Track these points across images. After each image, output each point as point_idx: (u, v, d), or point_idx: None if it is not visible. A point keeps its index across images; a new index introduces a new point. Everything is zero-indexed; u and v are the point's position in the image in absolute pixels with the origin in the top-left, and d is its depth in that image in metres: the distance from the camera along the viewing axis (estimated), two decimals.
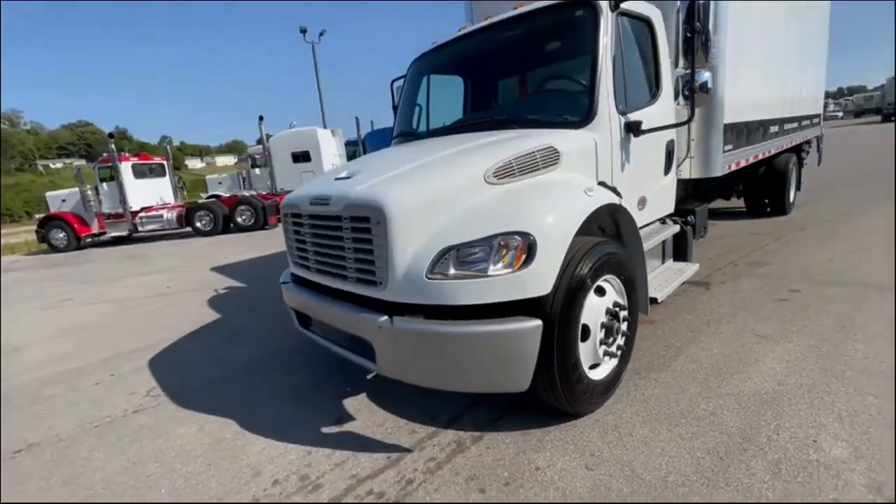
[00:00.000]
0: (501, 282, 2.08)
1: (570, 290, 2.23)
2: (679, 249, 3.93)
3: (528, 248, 2.09)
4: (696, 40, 2.60)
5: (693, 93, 2.68)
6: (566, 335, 2.25)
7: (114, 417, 3.27)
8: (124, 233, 14.47)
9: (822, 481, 2.00)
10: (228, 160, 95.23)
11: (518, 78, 3.64)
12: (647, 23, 3.18)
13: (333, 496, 2.22)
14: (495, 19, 3.26)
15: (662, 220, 3.81)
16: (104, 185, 14.12)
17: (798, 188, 7.94)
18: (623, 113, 2.87)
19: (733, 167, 4.29)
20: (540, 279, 2.11)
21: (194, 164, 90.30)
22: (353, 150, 19.69)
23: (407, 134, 3.89)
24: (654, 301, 3.18)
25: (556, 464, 2.28)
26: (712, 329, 3.61)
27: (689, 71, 2.67)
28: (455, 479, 2.25)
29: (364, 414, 2.94)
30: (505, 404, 2.82)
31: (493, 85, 3.72)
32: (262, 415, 3.05)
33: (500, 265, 2.10)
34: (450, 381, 2.21)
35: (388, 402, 3.03)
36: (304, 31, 22.29)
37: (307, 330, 3.08)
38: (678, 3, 2.62)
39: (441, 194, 2.26)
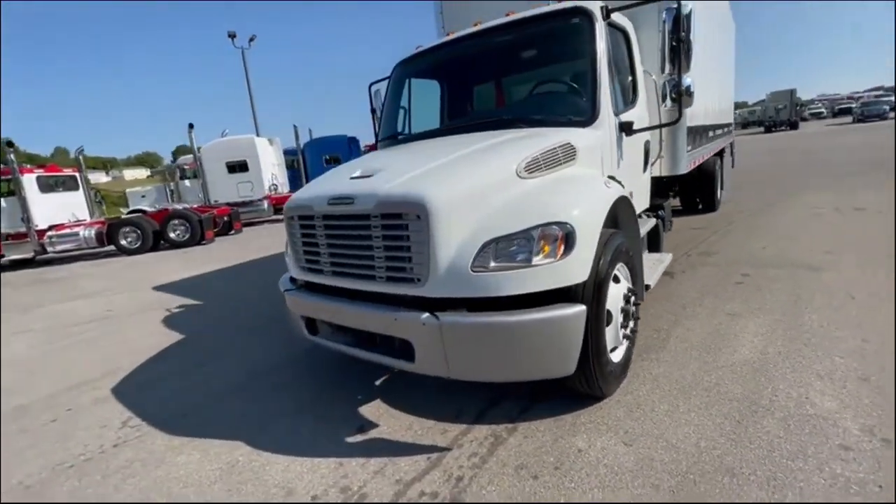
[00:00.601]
0: (545, 271, 2.16)
1: (599, 278, 2.37)
2: (652, 242, 4.27)
3: (567, 238, 2.19)
4: (681, 49, 2.90)
5: (680, 96, 2.98)
6: (598, 320, 2.37)
7: (90, 454, 2.87)
8: (28, 255, 12.68)
9: (825, 430, 2.28)
10: (139, 173, 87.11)
11: (501, 80, 3.79)
12: (623, 33, 3.47)
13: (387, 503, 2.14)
14: (491, 24, 3.38)
15: (639, 215, 4.13)
16: (2, 201, 12.29)
17: (722, 187, 8.94)
18: (616, 114, 3.10)
19: (691, 166, 4.77)
20: (579, 267, 2.21)
21: (98, 178, 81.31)
22: (292, 159, 19.01)
23: (401, 135, 3.87)
24: (647, 287, 3.43)
25: (596, 444, 2.38)
26: (689, 312, 3.97)
27: (674, 76, 2.97)
28: (504, 471, 2.27)
29: (386, 419, 2.85)
30: (526, 396, 2.89)
31: (487, 87, 3.84)
32: (272, 432, 2.85)
33: (541, 255, 2.17)
34: (500, 371, 2.24)
35: (407, 405, 2.97)
36: (232, 36, 21.13)
37: (318, 337, 2.94)
38: (663, 14, 2.90)
39: (478, 189, 2.29)
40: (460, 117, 3.80)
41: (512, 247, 2.18)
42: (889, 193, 7.76)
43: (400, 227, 2.30)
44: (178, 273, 8.90)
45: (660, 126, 3.36)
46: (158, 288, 7.68)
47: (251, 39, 22.10)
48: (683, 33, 2.85)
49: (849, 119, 40.19)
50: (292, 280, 3.27)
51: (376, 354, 2.61)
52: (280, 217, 18.75)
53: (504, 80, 3.78)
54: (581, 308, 2.17)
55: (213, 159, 15.42)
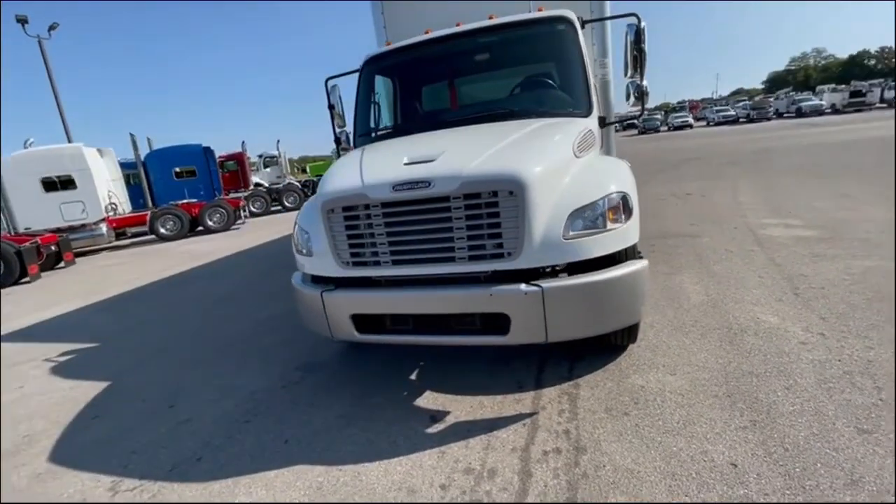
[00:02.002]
0: (617, 234, 2.51)
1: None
2: None
3: (626, 206, 2.58)
4: (641, 57, 3.59)
5: (642, 95, 3.67)
6: None
7: None
8: None
9: (784, 334, 3.14)
10: None
11: (482, 76, 4.08)
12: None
13: (520, 470, 2.21)
14: (478, 25, 3.61)
15: None
16: None
17: None
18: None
19: None
20: (635, 229, 2.63)
21: None
22: (128, 173, 15.94)
23: (392, 128, 3.82)
24: None
25: (651, 379, 2.83)
26: None
27: (635, 79, 3.64)
28: (597, 415, 2.54)
29: (451, 405, 2.85)
30: (565, 359, 3.20)
31: (472, 83, 4.04)
32: (340, 445, 2.59)
33: (610, 221, 2.51)
34: (592, 326, 2.49)
35: (460, 389, 3.01)
36: (23, 22, 16.53)
37: (371, 335, 2.77)
38: (628, 25, 3.55)
39: (552, 166, 2.51)
40: (448, 111, 3.92)
41: (589, 215, 2.47)
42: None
43: (488, 205, 2.39)
44: (26, 317, 6.77)
45: (626, 119, 4.07)
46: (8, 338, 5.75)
47: (51, 28, 17.64)
48: (643, 45, 3.54)
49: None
50: (313, 279, 2.99)
51: (458, 337, 2.62)
52: (124, 243, 15.66)
53: (486, 76, 4.05)
54: (646, 263, 2.58)
55: (21, 174, 11.93)
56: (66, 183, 12.51)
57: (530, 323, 2.42)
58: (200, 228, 14.72)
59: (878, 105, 35.29)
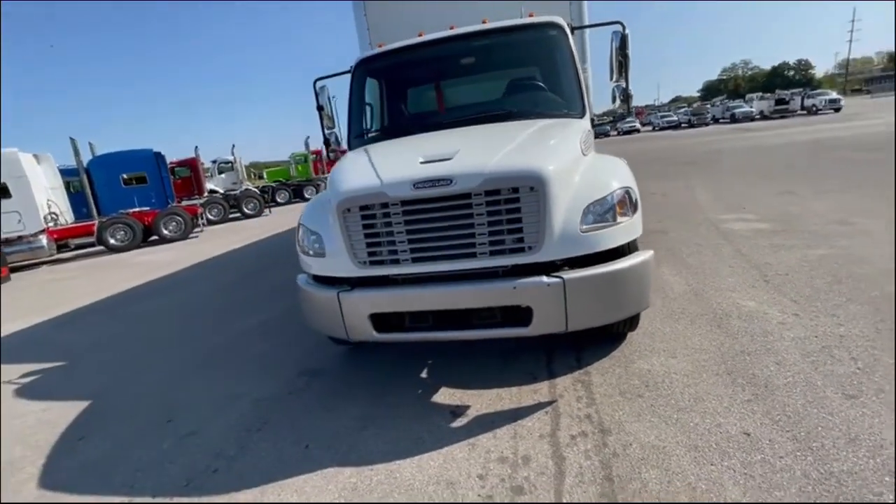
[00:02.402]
0: (626, 227, 2.67)
1: None
2: None
3: (632, 200, 2.74)
4: (626, 62, 3.81)
5: (627, 98, 3.90)
6: None
7: None
8: None
9: (764, 317, 3.43)
10: None
11: (474, 77, 4.18)
12: None
13: (553, 455, 2.29)
14: (478, 28, 3.70)
15: None
16: None
17: None
18: None
19: None
20: (640, 223, 2.80)
21: None
22: (69, 181, 14.82)
23: (393, 129, 3.82)
24: None
25: (655, 363, 3.01)
26: None
27: (621, 83, 3.86)
28: (613, 398, 2.68)
29: (470, 399, 2.90)
30: (570, 349, 3.33)
31: (467, 84, 4.11)
32: (364, 446, 2.57)
33: (618, 215, 2.67)
34: (609, 314, 2.62)
35: (474, 383, 3.06)
36: None
37: (391, 334, 2.77)
38: (613, 32, 3.76)
39: (564, 163, 2.62)
40: (448, 111, 3.97)
41: (601, 209, 2.61)
42: None
43: (509, 200, 2.47)
44: None
45: (614, 120, 4.29)
46: None
47: None
48: (627, 50, 3.77)
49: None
50: (324, 280, 2.95)
51: (479, 331, 2.66)
52: (67, 256, 14.62)
53: (481, 78, 4.14)
54: (652, 253, 2.75)
55: None
56: (0, 192, 11.43)
57: (552, 313, 2.51)
58: (154, 238, 13.88)
59: (798, 112, 38.79)
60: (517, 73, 3.95)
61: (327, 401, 3.12)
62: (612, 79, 3.87)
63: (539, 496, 2.04)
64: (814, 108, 37.08)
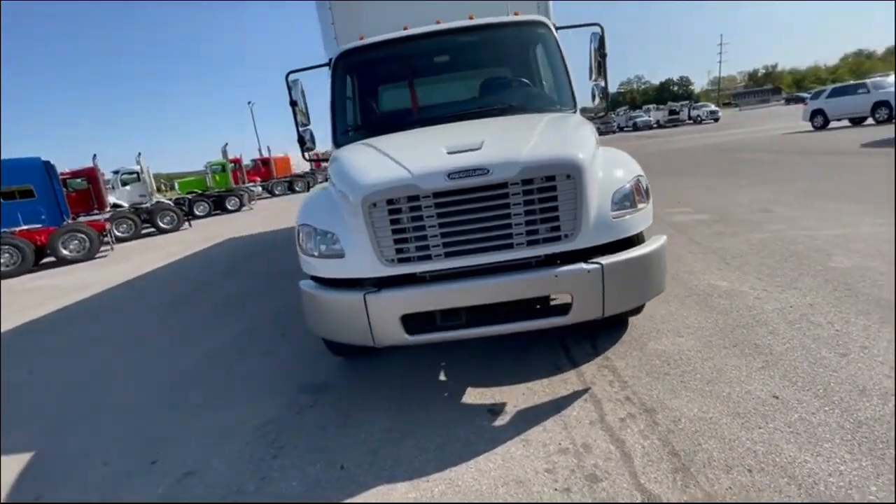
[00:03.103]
0: (645, 213, 2.79)
1: None
2: None
3: (643, 187, 2.87)
4: (604, 62, 4.01)
5: (606, 96, 4.10)
6: None
7: None
8: None
9: (740, 294, 3.77)
10: None
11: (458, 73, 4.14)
12: None
13: (611, 439, 2.30)
14: (467, 23, 3.66)
15: None
16: None
17: None
18: None
19: None
20: (652, 210, 2.94)
21: None
22: None
23: (385, 123, 3.63)
24: None
25: (666, 343, 3.17)
26: None
27: (599, 82, 4.06)
28: (643, 380, 2.77)
29: (504, 395, 2.83)
30: (583, 338, 3.39)
31: (451, 78, 4.04)
32: (408, 458, 2.38)
33: (638, 201, 2.78)
34: (639, 296, 2.71)
35: (499, 380, 3.00)
36: None
37: (421, 335, 2.60)
38: (592, 33, 3.94)
39: (590, 152, 2.67)
40: (446, 105, 3.86)
41: (624, 196, 2.70)
42: None
43: (544, 189, 2.45)
44: None
45: (597, 117, 4.48)
46: None
47: None
48: (605, 50, 3.98)
49: None
50: (337, 283, 2.72)
51: (516, 324, 2.59)
52: None
53: (468, 75, 4.10)
54: (666, 237, 2.90)
55: None
56: None
57: (590, 300, 2.53)
58: (50, 260, 11.92)
59: (686, 121, 44.22)
60: (510, 69, 3.99)
61: (346, 416, 2.86)
62: (591, 78, 4.05)
63: (616, 481, 2.03)
64: (698, 118, 42.82)
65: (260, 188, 27.95)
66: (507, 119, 3.25)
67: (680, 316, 3.56)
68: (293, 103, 4.06)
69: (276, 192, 28.83)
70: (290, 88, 4.01)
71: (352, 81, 3.85)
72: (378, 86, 3.93)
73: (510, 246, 2.51)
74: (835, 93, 18.37)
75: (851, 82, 19.70)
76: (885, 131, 13.94)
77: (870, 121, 17.32)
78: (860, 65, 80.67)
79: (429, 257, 2.53)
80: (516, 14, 3.92)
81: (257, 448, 2.65)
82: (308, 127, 4.15)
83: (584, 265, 2.49)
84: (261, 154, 36.15)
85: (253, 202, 23.45)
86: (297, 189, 29.12)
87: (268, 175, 31.45)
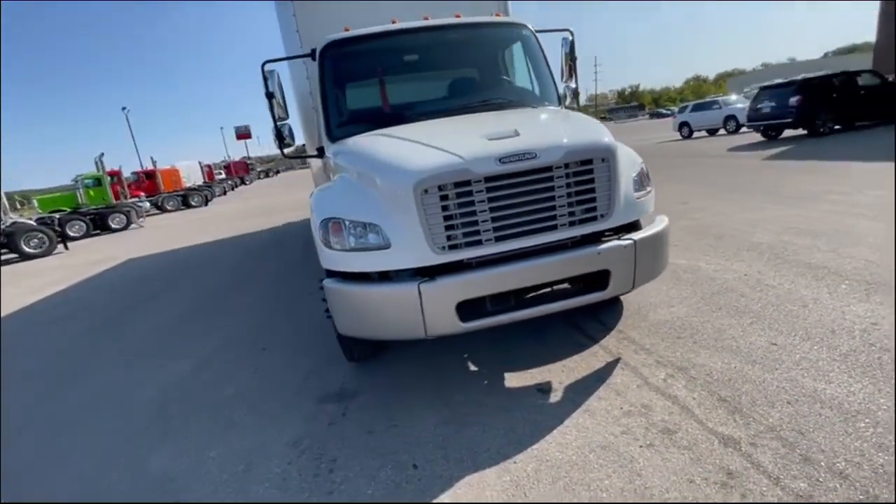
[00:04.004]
0: (652, 194, 3.10)
1: None
2: None
3: (646, 171, 3.20)
4: (574, 65, 4.34)
5: (577, 96, 4.43)
6: None
7: None
8: None
9: (721, 275, 4.34)
10: None
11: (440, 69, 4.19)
12: None
13: (665, 396, 2.50)
14: (455, 21, 3.71)
15: None
16: None
17: None
18: None
19: None
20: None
21: None
22: None
23: (383, 116, 3.51)
24: None
25: (663, 314, 3.53)
26: None
27: (570, 84, 4.38)
28: (662, 345, 3.06)
29: (544, 375, 2.91)
30: (589, 316, 3.63)
31: (441, 74, 4.03)
32: (483, 446, 2.34)
33: (646, 184, 3.08)
34: (657, 270, 2.97)
35: (530, 363, 3.08)
36: None
37: (474, 322, 2.58)
38: (563, 38, 4.26)
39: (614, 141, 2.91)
40: (445, 99, 3.82)
41: (639, 178, 2.97)
42: None
43: (582, 172, 2.60)
44: None
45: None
46: None
47: None
48: (575, 54, 4.32)
49: None
50: (370, 276, 2.60)
51: (561, 302, 2.69)
52: None
53: (454, 70, 4.12)
54: (667, 217, 3.24)
55: None
56: None
57: (624, 275, 2.74)
58: None
59: None
60: (499, 66, 4.13)
61: (390, 417, 2.70)
62: (562, 79, 4.38)
63: (688, 430, 2.22)
64: None
65: (147, 204, 24.63)
66: (516, 112, 3.39)
67: (661, 290, 3.98)
68: (269, 95, 3.74)
69: (169, 208, 25.72)
70: (265, 79, 3.69)
71: (343, 73, 3.67)
72: (372, 77, 3.79)
73: (554, 227, 2.62)
74: (696, 108, 21.90)
75: (708, 99, 23.55)
76: (738, 140, 16.99)
77: (722, 131, 20.95)
78: (699, 87, 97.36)
79: (479, 242, 2.53)
80: (497, 15, 4.10)
81: (305, 465, 2.39)
82: (286, 121, 3.86)
83: (621, 242, 2.69)
84: (142, 166, 32.07)
85: (142, 219, 20.63)
86: (193, 203, 26.30)
87: (153, 189, 27.95)
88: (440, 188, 2.44)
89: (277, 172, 64.93)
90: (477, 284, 2.54)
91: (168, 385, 3.58)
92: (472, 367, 3.17)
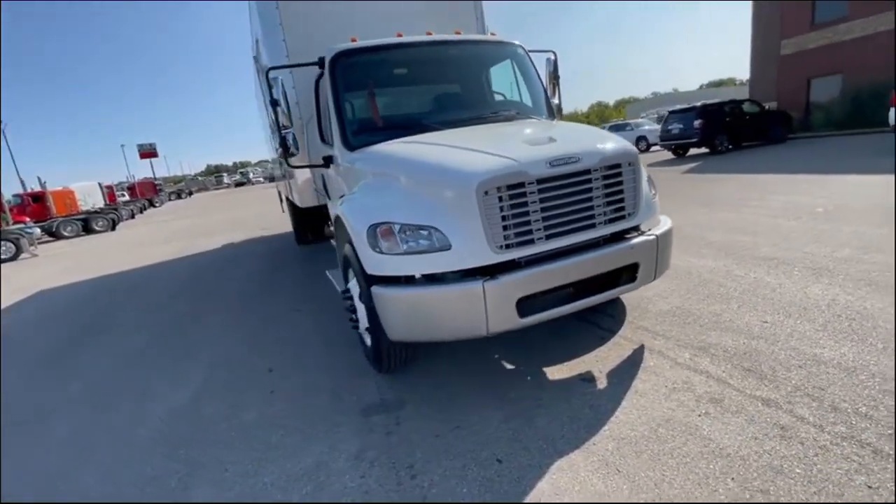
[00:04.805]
0: (657, 196, 3.48)
1: None
2: None
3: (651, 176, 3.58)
4: (557, 82, 4.71)
5: (560, 112, 4.79)
6: None
7: None
8: None
9: (712, 271, 4.88)
10: None
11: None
12: None
13: (698, 371, 2.80)
14: (456, 38, 3.89)
15: None
16: None
17: None
18: None
19: None
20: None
21: None
22: None
23: (394, 125, 3.54)
24: None
25: (661, 305, 3.91)
26: None
27: (554, 100, 4.73)
28: (674, 330, 3.40)
29: (581, 366, 3.09)
30: (593, 312, 3.90)
31: (447, 87, 4.14)
32: (559, 432, 2.44)
33: (653, 187, 3.45)
34: (668, 263, 3.30)
35: (561, 357, 3.25)
36: None
37: (530, 317, 2.69)
38: (547, 58, 4.61)
39: None
40: (456, 108, 3.92)
41: (650, 182, 3.33)
42: None
43: (612, 175, 2.88)
44: None
45: None
46: None
47: None
48: (558, 73, 4.71)
49: None
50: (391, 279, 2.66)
51: (603, 294, 2.91)
52: None
53: (459, 84, 4.26)
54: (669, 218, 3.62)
55: None
56: None
57: (649, 267, 3.05)
58: None
59: None
60: (499, 81, 4.36)
61: (449, 421, 2.70)
62: (550, 95, 4.74)
63: (732, 397, 2.52)
64: None
65: (38, 230, 21.31)
66: (529, 122, 3.62)
67: (651, 286, 4.34)
68: (274, 103, 3.62)
69: (66, 234, 22.55)
70: (270, 87, 3.58)
71: (358, 82, 3.66)
72: (386, 87, 3.82)
73: (592, 226, 2.85)
74: (613, 129, 24.27)
75: (622, 121, 26.22)
76: (652, 157, 19.08)
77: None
78: (602, 111, 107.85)
79: (531, 241, 2.68)
80: (492, 34, 4.37)
81: (382, 475, 2.31)
82: (290, 129, 3.73)
83: (647, 237, 2.99)
84: (24, 188, 27.99)
85: (33, 247, 17.89)
86: (97, 228, 23.37)
87: (43, 213, 24.46)
88: (499, 190, 2.56)
89: (190, 193, 59.91)
90: (535, 281, 2.67)
91: (169, 417, 3.20)
92: (509, 366, 3.26)
